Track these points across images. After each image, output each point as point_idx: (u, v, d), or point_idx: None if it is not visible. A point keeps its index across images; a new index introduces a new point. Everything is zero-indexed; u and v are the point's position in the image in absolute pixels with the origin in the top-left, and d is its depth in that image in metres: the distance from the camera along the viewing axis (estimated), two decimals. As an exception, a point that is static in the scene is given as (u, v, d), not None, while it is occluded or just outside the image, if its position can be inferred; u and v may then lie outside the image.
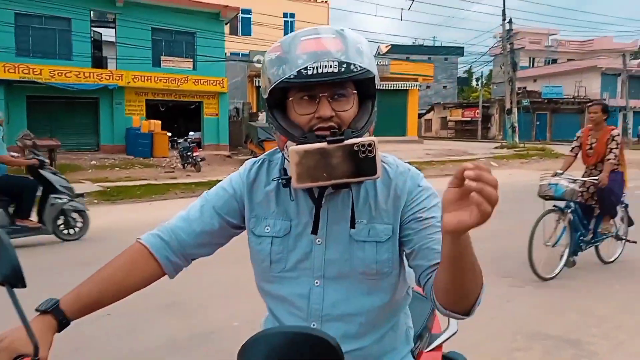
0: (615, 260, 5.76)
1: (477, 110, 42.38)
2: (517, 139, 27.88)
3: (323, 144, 1.00)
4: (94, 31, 22.51)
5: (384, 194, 1.21)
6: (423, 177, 1.27)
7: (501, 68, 30.06)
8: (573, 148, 5.73)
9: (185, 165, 16.32)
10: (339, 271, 1.20)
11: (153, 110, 22.95)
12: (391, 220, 1.20)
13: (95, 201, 10.92)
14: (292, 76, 1.05)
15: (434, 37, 62.93)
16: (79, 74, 19.79)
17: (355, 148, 0.99)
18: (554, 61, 48.45)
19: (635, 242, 5.81)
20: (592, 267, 5.60)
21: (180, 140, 18.09)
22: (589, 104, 5.99)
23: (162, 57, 21.97)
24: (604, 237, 5.58)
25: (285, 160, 1.17)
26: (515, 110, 28.21)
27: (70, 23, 19.95)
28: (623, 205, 5.60)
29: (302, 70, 1.04)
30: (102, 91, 20.52)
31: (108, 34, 23.61)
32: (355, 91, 1.14)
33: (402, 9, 27.01)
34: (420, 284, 1.19)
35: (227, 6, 22.59)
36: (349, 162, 0.99)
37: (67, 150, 18.89)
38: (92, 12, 21.02)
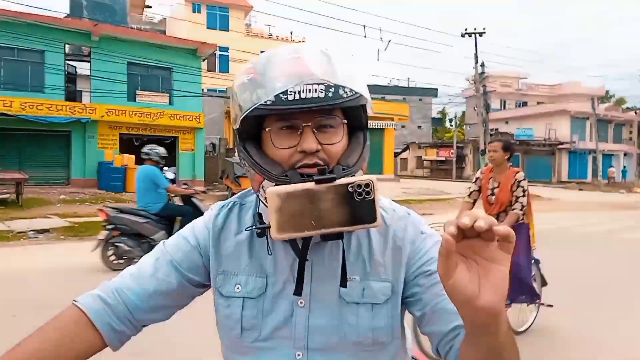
0: (527, 329, 4.58)
1: (452, 150, 43.01)
2: (491, 179, 28.07)
3: (310, 185, 0.82)
4: (68, 64, 22.17)
5: (381, 245, 1.02)
6: (425, 222, 1.07)
7: (474, 109, 30.65)
8: (471, 193, 4.76)
9: (159, 201, 15.87)
10: (327, 341, 0.98)
11: (127, 144, 22.48)
12: (390, 276, 1.00)
13: (62, 237, 10.46)
14: (268, 102, 0.86)
15: (408, 78, 64.27)
16: (51, 106, 19.30)
17: (350, 189, 0.81)
18: (525, 104, 49.77)
19: (552, 306, 4.70)
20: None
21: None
22: (490, 140, 4.93)
23: (138, 92, 21.63)
24: (511, 302, 4.35)
25: (261, 203, 0.97)
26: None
27: (44, 56, 19.54)
28: (533, 261, 4.55)
29: (281, 95, 0.86)
30: (75, 124, 20.02)
31: (82, 67, 23.31)
32: (345, 120, 0.96)
33: (378, 49, 27.45)
34: (439, 354, 0.97)
35: (205, 43, 22.59)
36: (342, 206, 0.81)
37: (35, 184, 18.28)
38: (66, 45, 20.72)
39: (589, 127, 40.78)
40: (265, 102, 0.86)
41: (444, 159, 44.87)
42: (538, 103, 48.43)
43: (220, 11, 34.28)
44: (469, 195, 4.76)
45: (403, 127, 50.72)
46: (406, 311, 1.05)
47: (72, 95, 21.83)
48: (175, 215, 7.53)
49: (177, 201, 7.96)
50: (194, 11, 32.93)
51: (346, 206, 0.81)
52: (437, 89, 52.78)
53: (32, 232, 10.52)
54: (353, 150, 0.95)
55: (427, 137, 57.29)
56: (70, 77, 22.19)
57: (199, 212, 7.21)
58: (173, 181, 19.59)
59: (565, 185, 35.26)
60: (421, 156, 48.31)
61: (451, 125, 59.76)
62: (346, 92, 0.88)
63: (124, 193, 18.22)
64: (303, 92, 0.85)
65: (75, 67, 23.69)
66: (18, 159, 19.34)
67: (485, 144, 28.53)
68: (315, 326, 0.98)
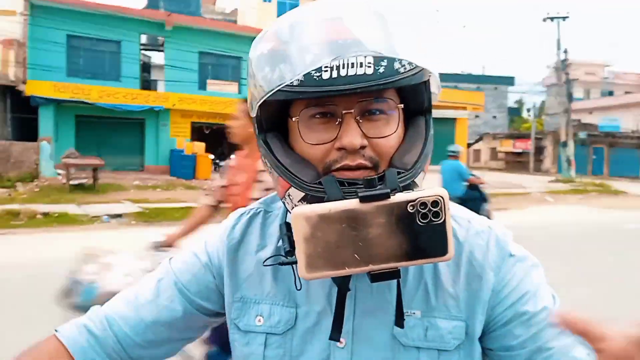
0: None
1: (530, 142, 41.06)
2: (573, 173, 26.64)
3: (352, 203, 0.59)
4: (143, 54, 23.00)
5: (451, 269, 0.76)
6: (511, 237, 0.80)
7: (555, 99, 29.06)
8: (213, 190, 3.14)
9: (227, 188, 16.14)
10: None
11: (197, 132, 23.11)
12: (463, 313, 0.74)
13: (134, 222, 10.78)
14: (295, 82, 0.64)
15: (483, 65, 62.28)
16: (127, 95, 20.08)
17: (410, 209, 0.59)
18: (611, 93, 46.86)
19: None
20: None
21: (222, 163, 17.98)
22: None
23: (208, 81, 22.18)
24: None
25: (289, 213, 0.74)
26: (571, 143, 27.09)
27: (120, 45, 20.36)
28: None
29: (313, 73, 0.63)
30: (149, 112, 20.76)
31: (157, 57, 24.15)
32: (402, 104, 0.71)
33: (452, 35, 26.54)
34: None
35: (275, 31, 22.69)
36: (399, 233, 0.59)
37: (112, 170, 19.10)
38: (142, 35, 21.45)
39: (685, 119, 37.71)
40: (291, 82, 0.63)
41: (520, 150, 42.97)
42: (626, 92, 45.41)
43: (290, 0, 34.44)
44: (210, 193, 3.17)
45: (477, 117, 49.12)
46: None
47: (147, 84, 22.80)
48: (471, 202, 8.13)
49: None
50: (264, 0, 33.27)
51: (404, 233, 0.59)
52: (514, 77, 50.64)
53: (105, 216, 10.90)
54: (412, 143, 0.71)
55: (502, 127, 55.20)
56: (145, 66, 23.05)
57: (484, 199, 8.80)
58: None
59: (656, 180, 32.71)
60: (495, 148, 46.54)
61: (529, 116, 57.23)
62: (404, 66, 0.65)
63: (193, 180, 18.67)
64: (343, 68, 0.63)
65: (149, 57, 24.56)
66: (95, 145, 20.27)
67: (567, 135, 27.00)
68: None
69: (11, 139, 17.66)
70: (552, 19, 28.03)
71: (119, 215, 11.18)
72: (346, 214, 0.59)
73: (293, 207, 0.69)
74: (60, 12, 18.33)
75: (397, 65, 0.64)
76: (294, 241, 0.65)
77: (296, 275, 0.72)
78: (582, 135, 34.04)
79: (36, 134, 18.28)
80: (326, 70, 0.63)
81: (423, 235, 0.59)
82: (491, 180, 24.18)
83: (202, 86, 21.90)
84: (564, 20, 27.93)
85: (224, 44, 21.72)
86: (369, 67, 0.63)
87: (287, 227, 0.71)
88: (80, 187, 14.70)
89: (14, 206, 10.99)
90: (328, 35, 0.64)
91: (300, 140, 0.71)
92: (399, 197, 0.59)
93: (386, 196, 0.59)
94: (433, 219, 0.59)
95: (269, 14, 28.73)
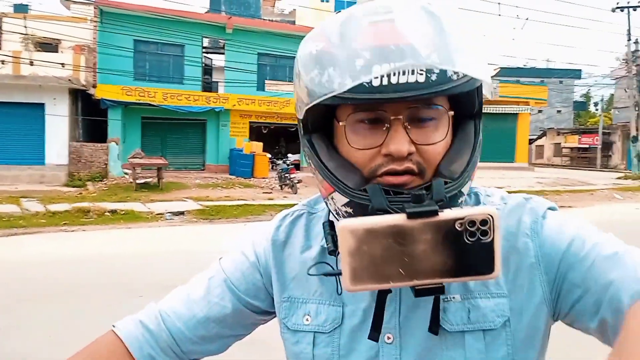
0: None
1: (596, 137, 39.13)
2: (644, 169, 25.23)
3: (400, 219, 0.57)
4: (205, 57, 23.66)
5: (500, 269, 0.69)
6: (549, 204, 0.77)
7: (625, 91, 27.58)
8: None
9: (283, 186, 16.41)
10: None
11: (255, 132, 23.53)
12: (504, 288, 0.72)
13: (195, 219, 11.15)
14: (345, 89, 0.60)
15: (547, 58, 59.72)
16: (190, 97, 20.75)
17: (458, 227, 0.57)
18: (688, 84, 43.77)
19: None
20: None
21: (280, 162, 18.28)
22: None
23: (267, 81, 22.50)
24: None
25: (333, 216, 0.75)
26: (642, 137, 25.66)
27: (184, 49, 21.04)
28: None
29: (364, 79, 0.60)
30: (210, 113, 21.36)
31: (218, 59, 24.75)
32: (452, 111, 0.69)
33: (514, 28, 25.70)
34: None
35: (332, 30, 22.76)
36: (445, 250, 0.57)
37: (175, 169, 19.84)
38: (204, 39, 22.07)
39: None
40: (341, 89, 0.61)
41: (587, 146, 41.02)
42: None
43: (347, -1, 34.40)
44: None
45: (540, 111, 47.27)
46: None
47: (208, 86, 23.39)
48: None
49: None
50: (322, 0, 33.37)
51: (451, 250, 0.57)
52: (580, 70, 48.07)
53: (168, 214, 11.36)
54: (460, 151, 0.69)
55: (567, 122, 52.80)
56: (206, 69, 23.70)
57: None
58: (297, 167, 20.22)
59: None
60: (560, 143, 44.64)
61: (596, 110, 54.50)
62: (457, 73, 0.62)
63: (251, 179, 19.09)
64: (394, 75, 0.60)
65: (211, 60, 25.23)
66: (160, 145, 21.17)
67: (637, 129, 25.60)
68: None
69: (82, 141, 18.66)
70: (622, 9, 26.62)
71: (181, 213, 11.62)
72: (393, 229, 0.58)
73: (335, 209, 0.70)
74: (128, 18, 19.20)
75: (450, 72, 0.62)
76: (335, 241, 0.68)
77: (339, 283, 0.75)
78: (655, 129, 32.09)
79: (105, 136, 19.26)
80: (377, 77, 0.61)
81: (470, 253, 0.58)
82: (554, 177, 23.31)
83: (261, 87, 22.28)
84: (634, 10, 26.47)
85: (282, 45, 21.94)
86: (421, 74, 0.61)
87: (330, 226, 0.72)
88: (145, 186, 15.38)
89: (85, 204, 11.66)
90: (380, 40, 0.61)
91: (346, 143, 0.69)
92: (447, 214, 0.58)
93: (435, 213, 0.57)
94: (481, 237, 0.57)
95: (326, 14, 28.85)
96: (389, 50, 0.60)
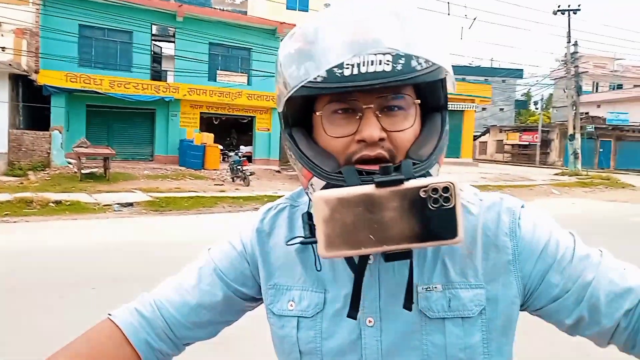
0: None
1: (536, 135, 40.88)
2: (579, 166, 26.58)
3: (369, 188, 0.63)
4: (154, 44, 23.07)
5: (467, 242, 0.80)
6: (524, 205, 0.84)
7: (564, 92, 28.91)
8: None
9: (235, 178, 16.30)
10: None
11: (206, 123, 23.22)
12: (482, 280, 0.79)
13: (144, 211, 10.94)
14: (319, 78, 0.68)
15: (491, 58, 61.69)
16: (138, 85, 20.21)
17: (422, 194, 0.62)
18: (620, 86, 46.35)
19: None
20: None
21: (231, 154, 18.14)
22: None
23: (218, 72, 22.21)
24: None
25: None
26: (578, 136, 27.00)
27: (132, 36, 20.44)
28: None
29: (335, 70, 0.67)
30: (159, 103, 20.88)
31: (167, 47, 24.21)
32: (419, 100, 0.76)
33: (462, 27, 26.42)
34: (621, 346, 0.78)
35: (284, 23, 22.68)
36: (411, 216, 0.62)
37: (122, 159, 19.30)
38: (153, 26, 21.52)
39: (694, 113, 37.34)
40: (315, 78, 0.68)
41: (527, 143, 42.76)
42: (635, 86, 44.89)
43: (300, -9, 34.27)
44: None
45: (484, 109, 48.81)
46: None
47: (157, 75, 22.83)
48: None
49: None
50: (274, -9, 33.14)
51: (416, 216, 0.62)
52: (522, 70, 50.15)
53: (116, 205, 11.08)
54: (427, 137, 0.76)
55: (509, 120, 54.86)
56: (155, 57, 23.13)
57: None
58: (249, 159, 20.10)
59: (663, 175, 32.56)
60: (502, 140, 46.34)
61: (536, 108, 56.85)
62: (421, 64, 0.69)
63: (202, 170, 18.84)
64: (364, 65, 0.67)
65: (160, 48, 24.64)
66: (106, 134, 20.54)
67: (574, 128, 26.90)
68: (390, 350, 0.79)
69: (23, 128, 17.82)
70: (562, 11, 27.80)
71: (130, 204, 11.36)
72: (363, 197, 0.62)
73: None
74: (73, 1, 18.41)
75: (414, 63, 0.68)
76: (314, 229, 0.72)
77: (316, 257, 0.81)
78: (590, 128, 33.84)
79: (48, 124, 18.47)
80: (347, 68, 0.67)
81: (434, 219, 0.62)
82: (497, 173, 24.21)
83: (212, 77, 21.97)
84: (574, 13, 27.70)
85: (234, 35, 21.70)
86: (387, 64, 0.67)
87: (308, 217, 0.77)
88: (91, 176, 14.91)
89: (27, 194, 11.16)
90: (350, 36, 0.67)
91: (323, 133, 0.75)
92: (412, 183, 0.63)
93: (400, 182, 0.62)
94: (444, 204, 0.62)
95: (278, 5, 28.67)
96: (358, 43, 0.66)
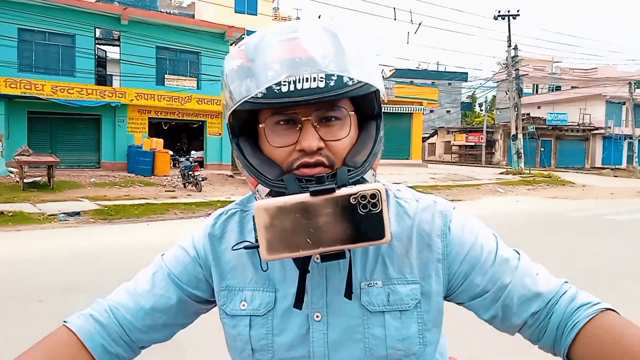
0: None
1: (481, 135, 42.25)
2: (522, 165, 27.65)
3: (304, 197, 0.70)
4: (99, 48, 22.45)
5: (404, 241, 0.88)
6: (455, 207, 0.94)
7: (506, 94, 30.04)
8: None
9: (187, 184, 16.04)
10: (351, 357, 0.86)
11: (155, 128, 22.74)
12: (417, 276, 0.87)
13: (92, 220, 10.62)
14: (259, 94, 0.74)
15: (437, 62, 63.27)
16: (82, 90, 19.60)
17: (352, 201, 0.70)
18: (558, 88, 48.49)
19: None
20: None
21: (182, 159, 17.85)
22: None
23: (166, 76, 21.83)
24: None
25: None
26: (520, 136, 28.07)
27: (75, 40, 19.83)
28: None
29: (274, 87, 0.73)
30: (105, 108, 20.32)
31: (112, 52, 23.60)
32: (353, 111, 0.83)
33: (408, 32, 26.99)
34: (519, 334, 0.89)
35: (233, 27, 22.55)
36: (343, 221, 0.70)
37: (67, 167, 18.66)
38: (96, 29, 20.95)
39: (625, 112, 39.60)
40: (256, 94, 0.74)
41: (473, 144, 44.13)
42: (572, 87, 47.10)
43: (247, -6, 34.10)
44: None
45: (432, 111, 50.02)
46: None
47: (102, 80, 22.22)
48: None
49: None
50: (221, -6, 32.84)
51: (348, 221, 0.69)
52: (467, 73, 51.67)
53: (62, 214, 10.71)
54: (362, 145, 0.82)
55: (456, 122, 56.40)
56: (100, 61, 22.51)
57: None
58: (201, 164, 19.82)
59: (599, 171, 34.33)
60: (450, 141, 47.62)
61: (481, 110, 58.72)
62: (352, 80, 0.75)
63: (152, 177, 18.45)
64: (299, 82, 0.73)
65: (105, 52, 23.99)
66: (50, 142, 19.81)
67: (516, 129, 27.96)
68: (335, 342, 0.86)
69: (-41, 136, 17.00)
70: (503, 17, 28.86)
71: (76, 213, 10.99)
72: (299, 205, 0.69)
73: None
74: (11, 4, 17.70)
75: (346, 79, 0.74)
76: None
77: (261, 259, 0.82)
78: (531, 128, 35.26)
79: (-14, 131, 17.68)
80: (285, 84, 0.73)
81: (364, 223, 0.69)
82: (445, 173, 24.88)
83: (160, 81, 21.56)
84: (514, 18, 28.81)
85: (182, 39, 21.40)
86: (321, 81, 0.73)
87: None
88: (34, 185, 14.34)
89: (-34, 205, 10.67)
90: (286, 54, 0.74)
91: (267, 143, 0.81)
92: (343, 191, 0.70)
93: (332, 190, 0.69)
94: (372, 209, 0.69)
95: (226, 9, 28.43)
96: (294, 62, 0.73)
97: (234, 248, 0.89)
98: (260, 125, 0.81)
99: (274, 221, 0.69)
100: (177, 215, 11.34)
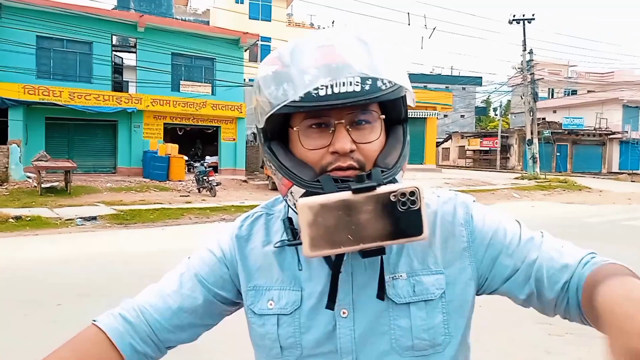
0: None
1: (496, 140, 41.96)
2: (538, 170, 27.38)
3: (347, 195, 0.72)
4: (115, 55, 22.74)
5: (428, 233, 0.88)
6: (474, 200, 0.96)
7: (521, 98, 29.79)
8: None
9: (201, 189, 16.14)
10: (378, 350, 0.87)
11: (171, 133, 22.97)
12: (441, 266, 0.89)
13: (108, 225, 10.74)
14: (298, 99, 0.76)
15: (451, 66, 63.06)
16: (99, 96, 19.87)
17: (392, 198, 0.71)
18: (574, 92, 48.04)
19: None
20: None
21: (197, 164, 17.98)
22: None
23: (182, 82, 22.06)
24: None
25: (291, 210, 0.89)
26: (536, 140, 27.82)
27: (92, 47, 20.13)
28: None
29: (312, 91, 0.76)
30: (121, 114, 20.57)
31: (129, 58, 23.90)
32: (383, 115, 0.86)
33: (422, 37, 26.97)
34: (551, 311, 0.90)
35: (247, 33, 22.72)
36: (383, 218, 0.72)
37: (84, 172, 18.90)
38: (113, 36, 21.24)
39: (643, 116, 39.10)
40: (295, 99, 0.76)
41: (487, 149, 43.83)
42: (588, 91, 46.63)
43: (262, 1, 34.36)
44: None
45: (445, 116, 49.85)
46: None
47: (119, 86, 22.51)
48: None
49: None
50: (237, 2, 33.09)
51: (388, 218, 0.71)
52: (481, 77, 51.44)
53: (79, 219, 10.84)
54: (392, 148, 0.85)
55: (470, 126, 56.11)
56: (116, 67, 22.79)
57: None
58: (215, 169, 19.92)
59: (616, 176, 33.87)
60: (464, 146, 47.35)
61: (495, 115, 58.38)
62: (385, 84, 0.78)
63: (167, 182, 18.61)
64: (336, 86, 0.76)
65: (122, 58, 24.30)
66: (67, 147, 20.11)
67: (532, 133, 27.72)
68: (362, 336, 0.87)
69: (-22, 142, 17.30)
70: (517, 21, 28.71)
71: (93, 218, 11.13)
72: (342, 203, 0.71)
73: (294, 202, 0.81)
74: (30, 12, 18.06)
75: (379, 83, 0.78)
76: (295, 233, 0.84)
77: (300, 258, 0.90)
78: (547, 133, 34.93)
79: (5, 137, 17.96)
80: (322, 89, 0.76)
81: (403, 219, 0.72)
82: (460, 178, 24.73)
83: (175, 87, 21.80)
84: (529, 22, 28.64)
85: (197, 45, 21.61)
86: (357, 85, 0.76)
87: (289, 222, 0.88)
88: (51, 190, 14.54)
89: (-15, 210, 10.84)
90: (323, 60, 0.76)
91: (300, 146, 0.83)
92: (383, 188, 0.72)
93: (373, 188, 0.72)
94: (411, 206, 0.71)
95: (241, 16, 28.70)
96: (330, 67, 0.75)
97: (277, 245, 0.91)
98: (294, 129, 0.84)
99: (317, 218, 0.71)
100: (192, 220, 11.41)
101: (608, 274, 0.76)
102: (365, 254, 0.74)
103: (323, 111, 0.80)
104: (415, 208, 0.71)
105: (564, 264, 0.86)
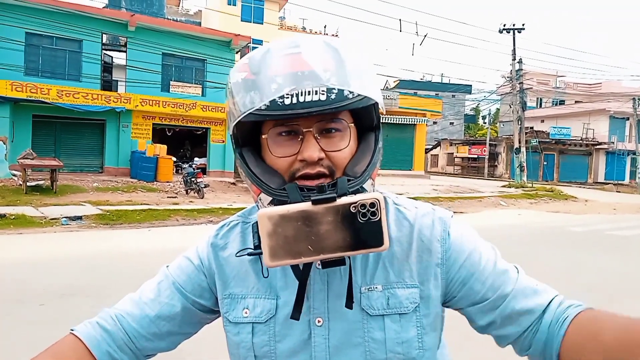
0: None
1: (485, 148, 42.28)
2: (525, 179, 27.63)
3: (306, 205, 0.72)
4: (105, 54, 22.58)
5: (404, 246, 0.90)
6: (453, 215, 0.96)
7: (510, 107, 30.10)
8: None
9: (189, 191, 16.05)
10: None
11: (159, 134, 22.84)
12: (416, 280, 0.89)
13: (94, 225, 10.63)
14: (263, 107, 0.76)
15: (442, 73, 63.47)
16: (87, 95, 19.71)
17: (352, 210, 0.72)
18: (562, 102, 48.55)
19: None
20: None
21: (185, 166, 17.86)
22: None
23: (172, 82, 21.96)
24: None
25: None
26: (523, 149, 28.07)
27: (81, 45, 19.98)
28: None
29: (277, 99, 0.75)
30: (110, 113, 20.42)
31: (119, 57, 23.75)
32: (352, 123, 0.86)
33: (413, 44, 27.14)
34: (509, 346, 0.90)
35: (239, 35, 22.69)
36: (344, 229, 0.72)
37: (70, 171, 18.73)
38: (104, 35, 21.09)
39: (629, 128, 39.64)
40: (260, 107, 0.76)
41: (476, 156, 44.15)
42: (576, 102, 47.16)
43: (255, 3, 34.34)
44: None
45: (435, 123, 50.15)
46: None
47: (108, 85, 22.33)
48: None
49: None
50: (229, 4, 33.02)
51: (348, 229, 0.71)
52: (471, 85, 51.74)
53: (64, 218, 10.72)
54: (362, 155, 0.85)
55: (459, 134, 56.48)
56: (106, 66, 22.63)
57: None
58: (204, 171, 19.82)
59: (602, 186, 34.27)
60: (452, 153, 47.66)
61: (484, 123, 58.82)
62: (352, 93, 0.77)
63: (155, 182, 18.47)
64: (302, 95, 0.75)
65: (111, 57, 24.14)
66: (54, 146, 19.92)
67: (519, 142, 27.96)
68: (336, 346, 0.87)
69: (-37, 138, 17.06)
70: (507, 30, 28.98)
71: (78, 218, 11.00)
72: (301, 213, 0.71)
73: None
74: (19, 9, 17.88)
75: (346, 92, 0.76)
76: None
77: (263, 266, 0.89)
78: (534, 142, 35.27)
79: (-9, 134, 17.77)
80: (288, 97, 0.75)
81: (363, 230, 0.71)
82: (447, 185, 24.86)
83: (165, 88, 21.68)
84: (519, 31, 28.91)
85: (188, 46, 21.53)
86: (323, 94, 0.75)
87: (257, 226, 0.84)
88: (37, 189, 14.36)
89: (-31, 207, 10.68)
90: (290, 68, 0.76)
91: (269, 153, 0.83)
92: (343, 200, 0.72)
93: (333, 199, 0.72)
94: (371, 217, 0.71)
95: (233, 17, 28.64)
96: (296, 76, 0.75)
97: (238, 254, 0.91)
98: (263, 136, 0.84)
99: (276, 228, 0.71)
100: (179, 221, 11.33)
101: (601, 313, 0.79)
102: (325, 264, 0.75)
103: (292, 119, 0.79)
104: (376, 219, 0.71)
105: (538, 303, 0.86)
